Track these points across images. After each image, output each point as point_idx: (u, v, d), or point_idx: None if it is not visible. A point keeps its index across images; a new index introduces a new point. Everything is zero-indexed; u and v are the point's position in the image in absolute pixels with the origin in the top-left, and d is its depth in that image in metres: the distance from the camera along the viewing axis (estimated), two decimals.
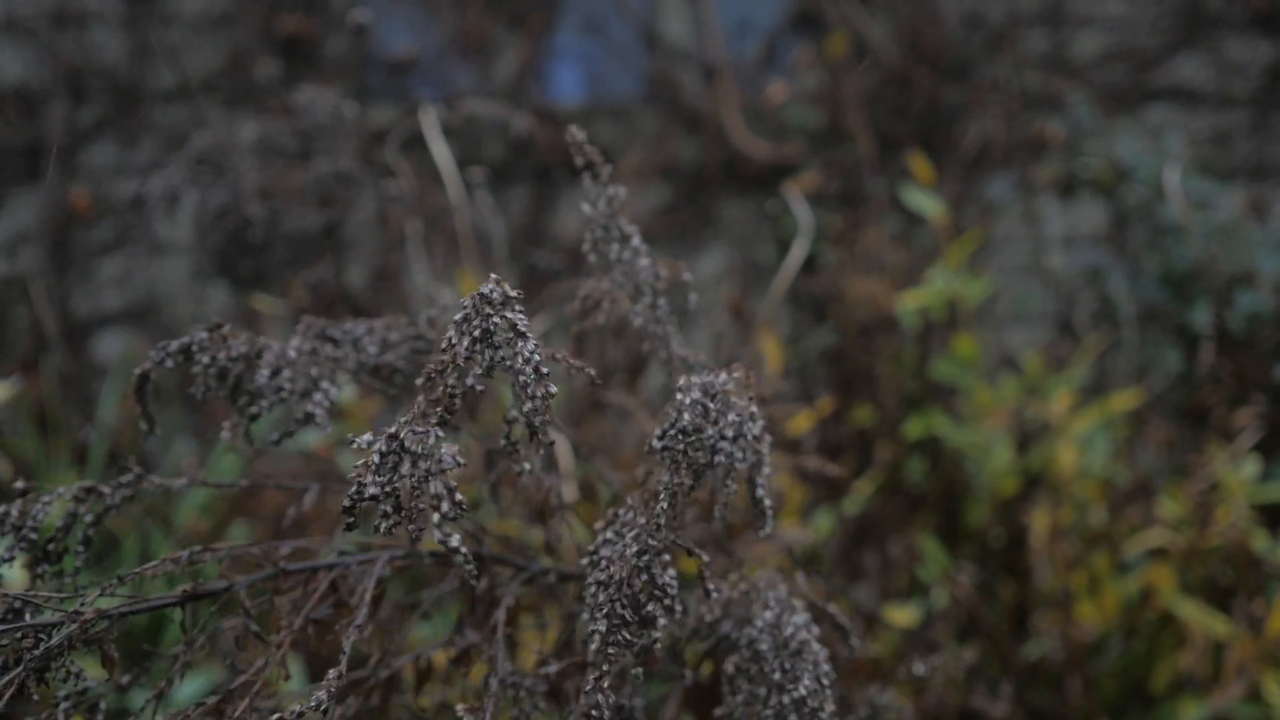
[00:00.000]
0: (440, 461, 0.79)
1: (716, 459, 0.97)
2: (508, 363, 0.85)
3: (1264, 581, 2.04)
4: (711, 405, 0.97)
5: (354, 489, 0.77)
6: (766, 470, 1.01)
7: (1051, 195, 2.92)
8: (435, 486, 0.79)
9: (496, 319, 0.86)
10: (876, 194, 2.93)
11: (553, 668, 1.08)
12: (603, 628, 0.89)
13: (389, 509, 0.78)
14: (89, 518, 1.03)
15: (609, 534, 0.95)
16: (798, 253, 1.86)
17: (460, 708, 0.91)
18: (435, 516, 0.79)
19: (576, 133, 1.10)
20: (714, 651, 1.16)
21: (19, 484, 0.99)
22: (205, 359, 1.05)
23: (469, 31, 3.51)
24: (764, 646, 1.05)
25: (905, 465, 2.37)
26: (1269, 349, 2.35)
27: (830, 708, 1.01)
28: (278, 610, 1.01)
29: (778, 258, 2.31)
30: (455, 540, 0.80)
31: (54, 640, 0.89)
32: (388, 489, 0.78)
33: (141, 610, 0.94)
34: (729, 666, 1.08)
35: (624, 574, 0.90)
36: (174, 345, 1.04)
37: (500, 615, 1.06)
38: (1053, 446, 2.23)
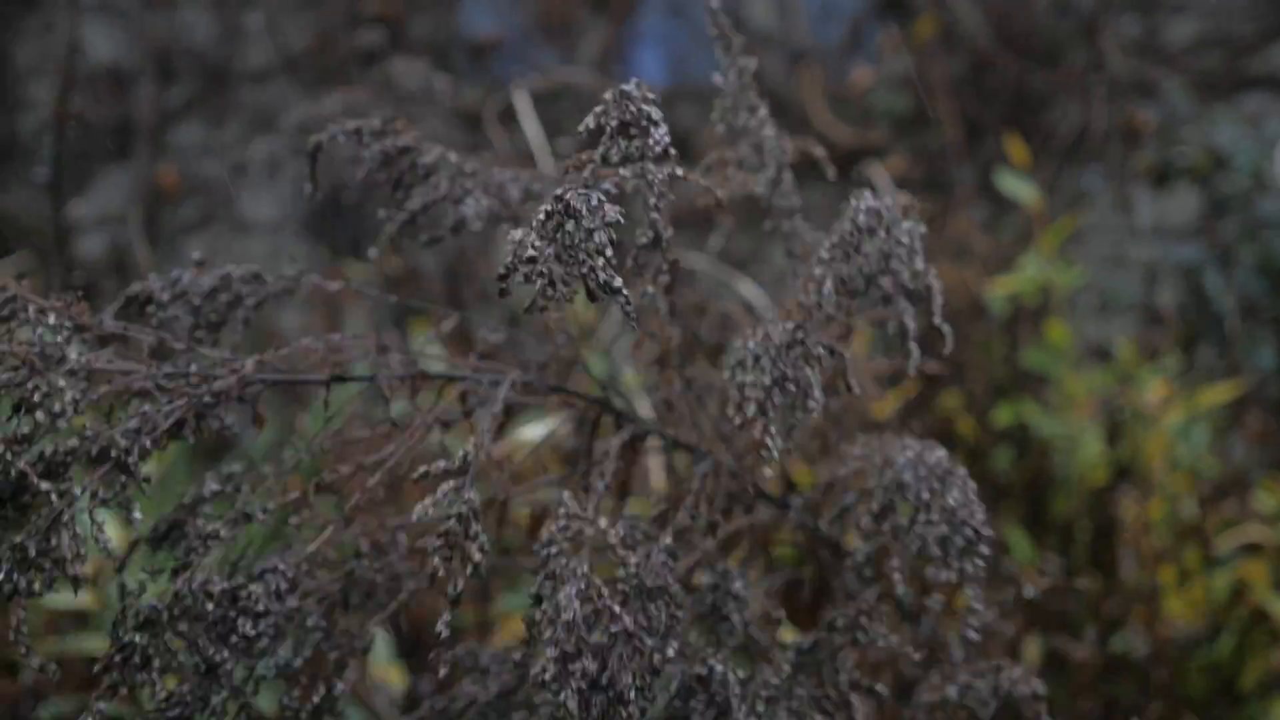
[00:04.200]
0: (604, 217, 0.80)
1: (892, 264, 0.99)
2: (640, 151, 0.87)
3: None
4: (885, 213, 0.98)
5: (511, 254, 0.78)
6: (939, 300, 1.02)
7: (1143, 184, 2.87)
8: (600, 237, 0.80)
9: (635, 108, 0.87)
10: (963, 180, 2.90)
11: (663, 506, 1.08)
12: (766, 380, 0.90)
13: (547, 269, 0.78)
14: (251, 301, 1.08)
15: (750, 344, 0.95)
16: None
17: (566, 495, 0.93)
18: (599, 261, 0.79)
19: None
20: (841, 516, 1.14)
21: (195, 255, 1.07)
22: (375, 146, 1.12)
23: (553, 14, 3.52)
24: (908, 476, 1.05)
25: (992, 454, 2.34)
26: None
27: (981, 516, 1.01)
28: (417, 407, 1.06)
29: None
30: (618, 281, 0.80)
31: (215, 386, 0.95)
32: (550, 248, 0.79)
33: (291, 381, 1.00)
34: (864, 519, 1.07)
35: (783, 340, 0.91)
36: (350, 125, 1.10)
37: (613, 445, 1.07)
38: (1144, 437, 2.19)
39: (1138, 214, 2.92)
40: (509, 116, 2.06)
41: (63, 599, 1.59)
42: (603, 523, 0.93)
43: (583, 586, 0.88)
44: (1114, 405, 2.28)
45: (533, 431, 1.13)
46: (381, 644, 1.67)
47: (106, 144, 3.63)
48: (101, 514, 1.03)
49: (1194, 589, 2.09)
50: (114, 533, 1.64)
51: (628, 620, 0.89)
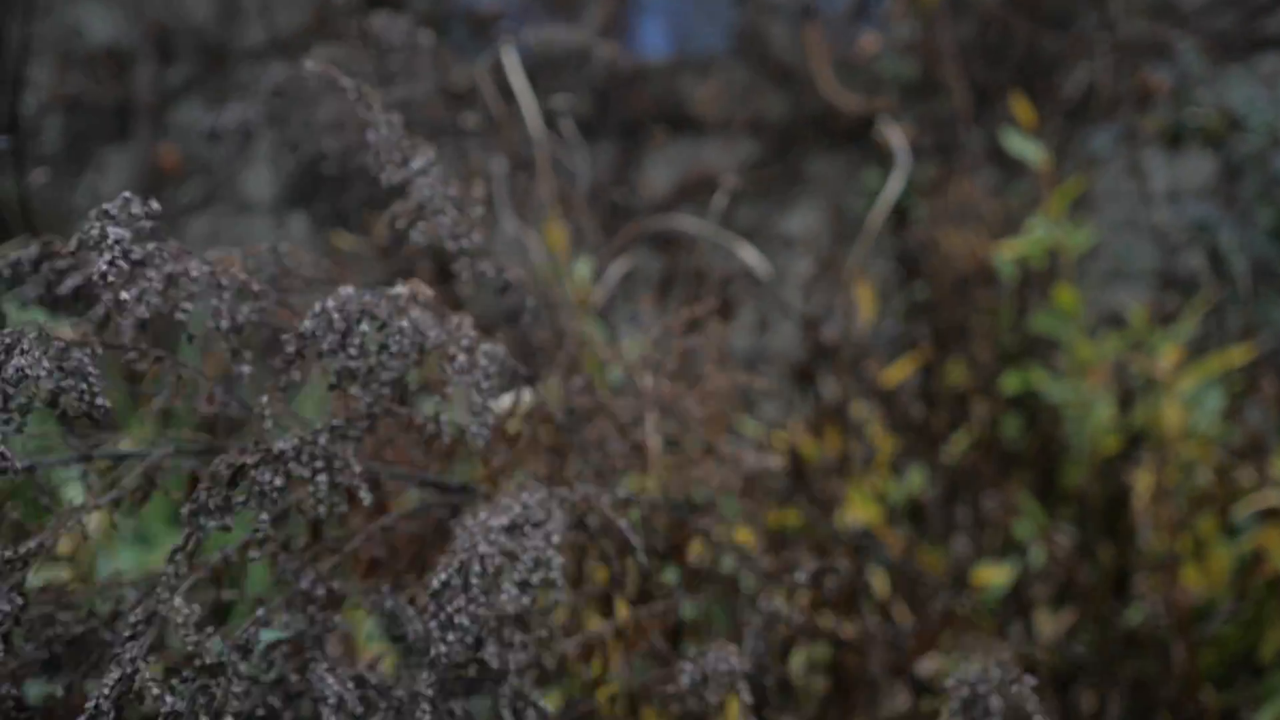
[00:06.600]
0: None
1: None
2: None
3: None
4: None
5: None
6: None
7: (1156, 147, 2.80)
8: None
9: None
10: (972, 145, 2.84)
11: None
12: None
13: None
14: None
15: None
16: (894, 185, 1.80)
17: None
18: None
19: None
20: None
21: None
22: None
23: None
24: None
25: (1001, 422, 2.29)
26: None
27: None
28: None
29: (867, 208, 2.26)
30: None
31: None
32: None
33: None
34: None
35: None
36: None
37: None
38: (1157, 404, 2.14)
39: (1151, 178, 2.86)
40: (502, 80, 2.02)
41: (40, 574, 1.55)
42: None
43: None
44: (1126, 371, 2.23)
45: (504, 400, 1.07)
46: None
47: (107, 125, 3.60)
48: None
49: (1211, 558, 2.05)
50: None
51: None
